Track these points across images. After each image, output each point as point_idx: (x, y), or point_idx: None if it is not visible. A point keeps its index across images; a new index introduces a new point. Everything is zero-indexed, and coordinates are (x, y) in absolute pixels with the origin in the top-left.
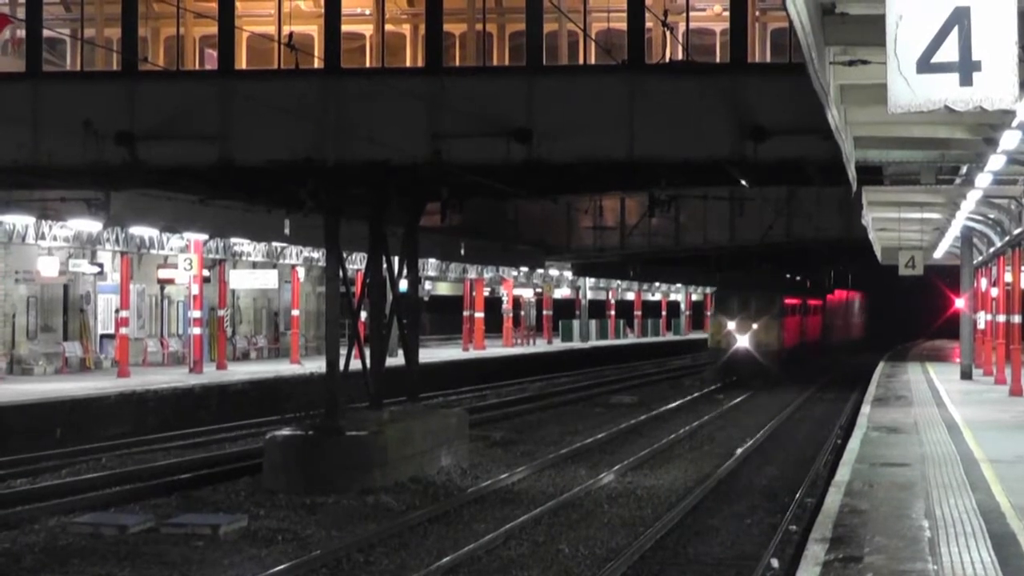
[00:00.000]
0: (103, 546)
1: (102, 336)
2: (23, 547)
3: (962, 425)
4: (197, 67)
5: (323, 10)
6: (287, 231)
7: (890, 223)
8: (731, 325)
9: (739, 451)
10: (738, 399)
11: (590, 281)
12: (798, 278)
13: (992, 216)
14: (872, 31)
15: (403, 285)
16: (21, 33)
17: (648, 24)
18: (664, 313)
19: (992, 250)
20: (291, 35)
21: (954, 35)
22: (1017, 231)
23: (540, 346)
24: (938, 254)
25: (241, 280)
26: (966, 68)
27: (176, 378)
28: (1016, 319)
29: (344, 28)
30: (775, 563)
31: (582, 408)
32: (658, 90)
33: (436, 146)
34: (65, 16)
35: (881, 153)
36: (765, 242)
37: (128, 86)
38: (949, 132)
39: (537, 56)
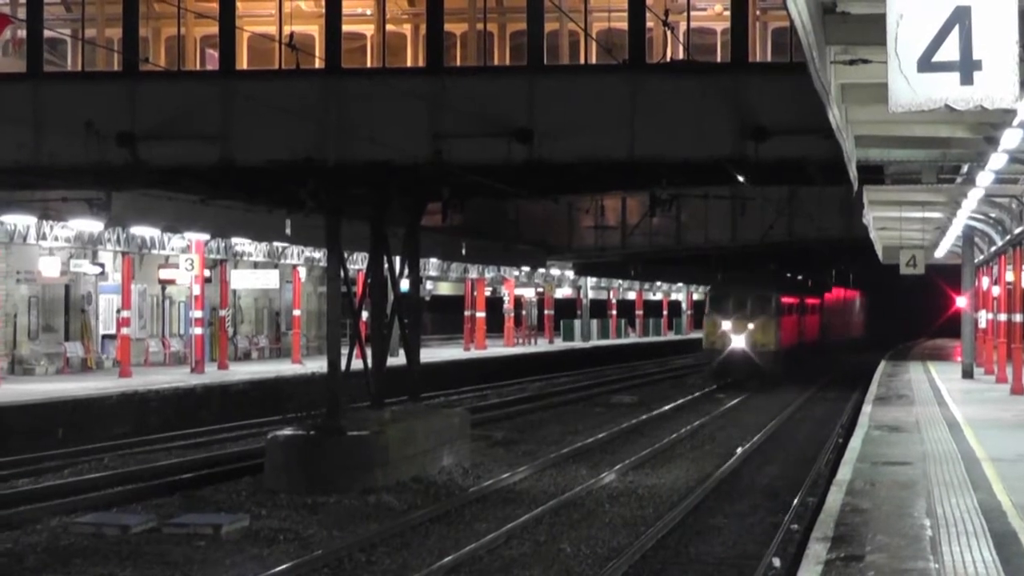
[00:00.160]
0: (105, 546)
1: (103, 336)
2: (25, 547)
3: (963, 424)
4: (198, 67)
5: (324, 10)
6: (288, 231)
7: (891, 222)
8: (726, 325)
9: (740, 450)
10: (739, 398)
11: (591, 281)
12: (799, 277)
13: (993, 215)
14: (873, 30)
15: (404, 285)
16: (22, 33)
17: (649, 24)
18: (665, 312)
19: (993, 249)
20: (292, 35)
21: (955, 34)
22: (1018, 230)
23: (541, 346)
24: (939, 253)
25: (242, 280)
26: (967, 67)
27: (178, 378)
28: (1017, 318)
29: (345, 28)
30: (777, 562)
31: (583, 408)
32: (659, 90)
33: (437, 146)
34: (66, 16)
35: (882, 152)
36: (766, 242)
37: (129, 86)
38: (950, 131)
39: (538, 56)
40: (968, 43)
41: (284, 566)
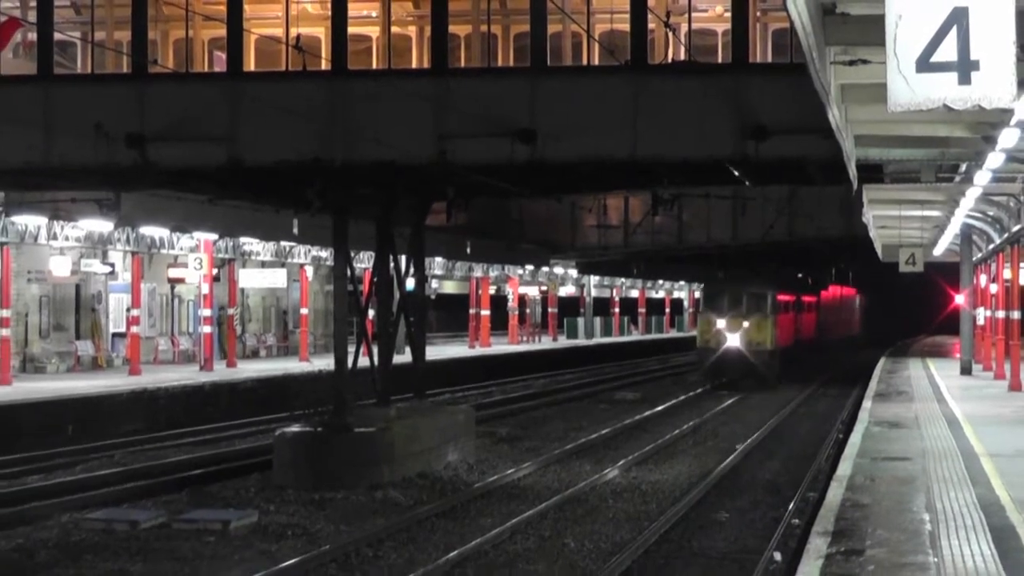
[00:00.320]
0: (115, 542)
1: (114, 335)
2: (37, 543)
3: (962, 420)
4: (206, 69)
5: (330, 12)
6: (295, 231)
7: (891, 221)
8: (721, 323)
9: (742, 446)
10: (741, 396)
11: (594, 279)
12: (797, 274)
13: (991, 213)
14: (872, 31)
15: (410, 283)
16: (32, 36)
17: (651, 25)
18: (668, 310)
19: (991, 247)
20: (298, 37)
21: (953, 35)
22: (1016, 228)
23: (545, 343)
24: (938, 251)
25: (250, 279)
26: (965, 67)
27: (187, 376)
28: (1015, 315)
29: (351, 30)
30: (778, 556)
31: (587, 404)
32: (661, 90)
33: (442, 146)
34: (76, 19)
35: (881, 151)
36: (767, 240)
37: (138, 88)
38: (949, 130)
39: (541, 57)
40: (966, 43)
41: (292, 561)
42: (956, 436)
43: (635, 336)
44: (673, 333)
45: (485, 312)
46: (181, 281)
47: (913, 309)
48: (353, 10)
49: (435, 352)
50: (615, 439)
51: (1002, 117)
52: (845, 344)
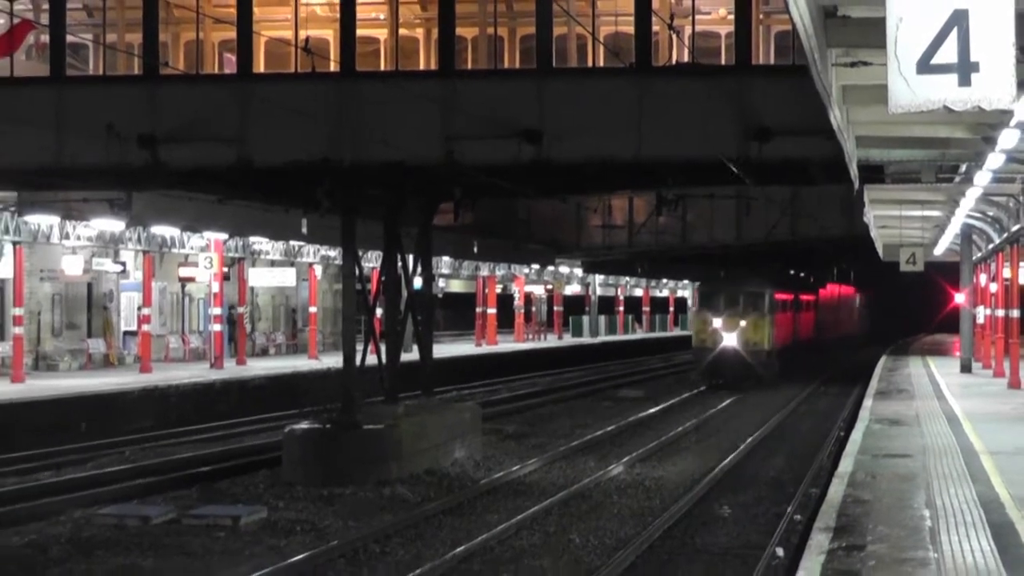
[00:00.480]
0: (127, 537)
1: (125, 333)
2: (49, 538)
3: (962, 417)
4: (216, 71)
5: (339, 15)
6: (304, 230)
7: (891, 221)
8: (717, 322)
9: (744, 443)
10: (743, 394)
11: (599, 278)
12: (794, 272)
13: (991, 213)
14: (873, 33)
15: (417, 282)
16: (45, 38)
17: (655, 27)
18: (672, 309)
19: (991, 246)
20: (307, 39)
21: (953, 37)
22: (1015, 228)
23: (551, 341)
24: (938, 251)
25: (260, 278)
26: (965, 69)
27: (197, 373)
28: (1015, 314)
29: (359, 32)
30: (780, 552)
31: (592, 402)
32: (665, 92)
33: (449, 147)
34: (88, 22)
35: (882, 152)
36: (770, 240)
37: (149, 89)
38: (949, 131)
39: (547, 59)
40: (966, 45)
41: (301, 556)
42: (956, 433)
43: (639, 334)
44: (677, 332)
45: (492, 311)
46: (192, 280)
47: (914, 308)
48: (361, 12)
49: (442, 350)
50: (619, 436)
51: (1002, 118)
52: (844, 343)
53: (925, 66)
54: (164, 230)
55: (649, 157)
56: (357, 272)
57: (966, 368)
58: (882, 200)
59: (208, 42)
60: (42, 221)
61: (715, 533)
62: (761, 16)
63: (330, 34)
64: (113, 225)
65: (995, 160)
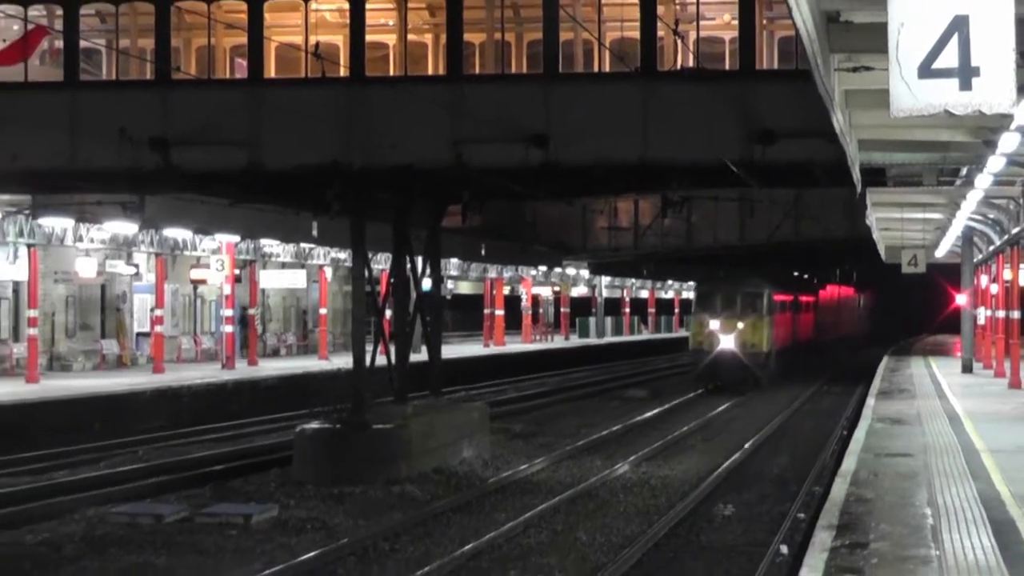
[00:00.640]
0: (140, 535)
1: (138, 334)
2: (63, 536)
3: (963, 416)
4: (227, 76)
5: (348, 20)
6: (315, 233)
7: (893, 223)
8: (714, 324)
9: (749, 443)
10: (747, 394)
11: (606, 279)
12: (792, 273)
13: (992, 216)
14: (875, 38)
15: (426, 284)
16: (59, 44)
17: (660, 33)
18: (677, 310)
19: (992, 248)
20: (317, 44)
21: (954, 42)
22: (1016, 230)
23: (558, 342)
24: (940, 252)
25: (271, 280)
26: (965, 74)
27: (209, 374)
28: (1015, 315)
29: (368, 38)
30: (784, 549)
31: (598, 402)
32: (670, 96)
33: (457, 151)
34: (101, 27)
35: (884, 155)
36: (773, 242)
37: (161, 94)
38: (950, 135)
39: (553, 64)
40: (966, 50)
41: (312, 554)
42: (957, 432)
43: (645, 335)
44: (682, 332)
45: (499, 312)
46: (204, 282)
47: (915, 309)
48: (371, 18)
49: (451, 351)
50: (626, 435)
51: (1002, 122)
52: (844, 345)
53: (926, 71)
54: (176, 233)
55: (654, 160)
56: (367, 274)
57: (967, 368)
58: (884, 203)
59: (219, 47)
60: (56, 224)
61: (720, 531)
62: (765, 22)
63: (340, 39)
64: (126, 228)
65: (995, 163)
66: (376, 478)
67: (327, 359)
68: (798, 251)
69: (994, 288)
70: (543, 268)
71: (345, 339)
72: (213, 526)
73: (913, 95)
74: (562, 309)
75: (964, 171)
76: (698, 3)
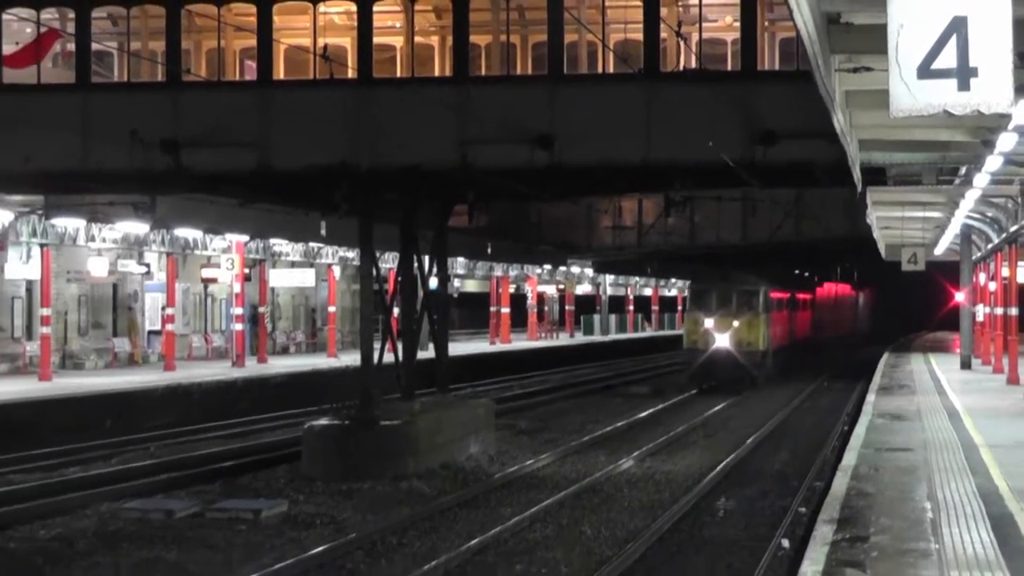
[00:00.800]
0: (151, 530)
1: (149, 332)
2: (76, 532)
3: (962, 412)
4: (237, 78)
5: (356, 23)
6: (323, 232)
7: (893, 221)
8: (709, 322)
9: (751, 438)
10: (743, 393)
11: (610, 278)
12: (788, 270)
13: (990, 214)
14: (875, 39)
15: (433, 283)
16: (71, 47)
17: (663, 35)
18: (680, 308)
19: (990, 246)
20: (326, 47)
21: (952, 43)
22: (1014, 228)
23: (563, 340)
24: (939, 250)
25: (280, 279)
26: (964, 74)
27: (219, 371)
28: (1013, 311)
29: (376, 40)
30: (786, 543)
31: (602, 398)
32: (673, 97)
33: (463, 151)
34: (112, 30)
35: (884, 155)
36: (775, 241)
37: (172, 96)
38: (949, 135)
39: (558, 65)
40: (965, 51)
41: (320, 548)
42: (956, 428)
43: (649, 333)
44: None
45: (505, 310)
46: (214, 281)
47: (915, 306)
48: (378, 21)
49: (457, 348)
50: (630, 431)
51: (1000, 122)
52: (844, 343)
53: (925, 71)
54: (187, 232)
55: (658, 160)
56: (374, 273)
57: (966, 365)
58: (884, 202)
59: (229, 50)
60: (68, 224)
61: (723, 525)
62: (766, 23)
63: (348, 42)
64: (137, 228)
65: (994, 163)
66: (384, 474)
67: (336, 357)
68: (800, 250)
69: (992, 285)
70: (548, 267)
71: (353, 337)
72: (223, 521)
73: (912, 95)
74: (567, 307)
75: (963, 170)
76: (700, 5)
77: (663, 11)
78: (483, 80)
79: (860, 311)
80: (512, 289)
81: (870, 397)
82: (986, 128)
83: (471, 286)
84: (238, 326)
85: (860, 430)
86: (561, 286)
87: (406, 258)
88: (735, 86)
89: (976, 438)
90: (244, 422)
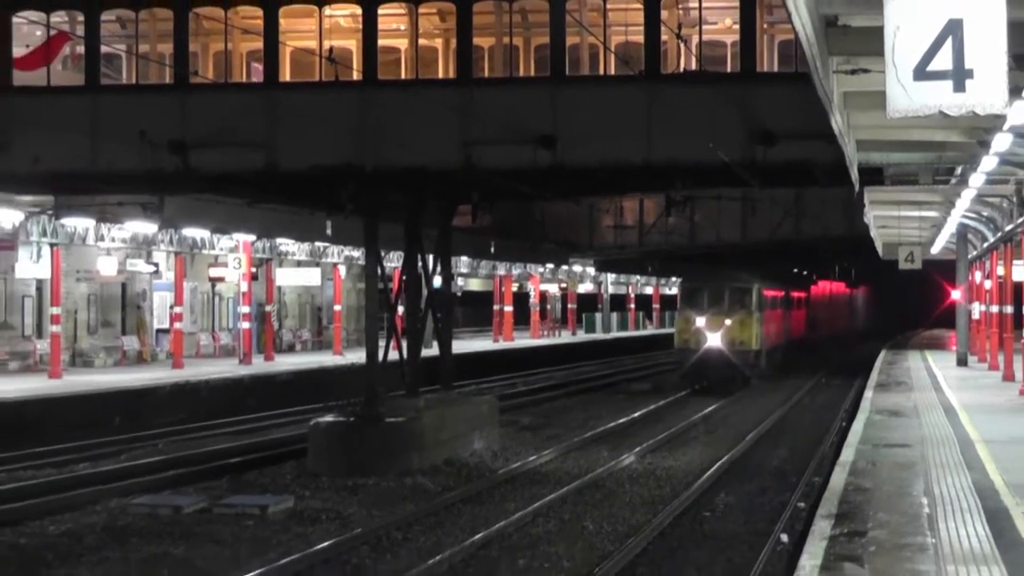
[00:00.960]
0: (159, 526)
1: (158, 330)
2: (85, 527)
3: (959, 408)
4: (244, 80)
5: (361, 26)
6: (329, 232)
7: (890, 221)
8: (700, 321)
9: (750, 434)
10: (749, 387)
11: (611, 276)
12: (783, 268)
13: (985, 213)
14: (872, 42)
15: (437, 281)
16: (80, 49)
17: (664, 37)
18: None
19: (986, 245)
20: (331, 49)
21: (948, 45)
22: (1009, 227)
23: (565, 337)
24: (935, 249)
25: (287, 278)
26: (959, 76)
27: (226, 369)
28: (1008, 309)
29: (380, 42)
30: (785, 538)
31: (604, 395)
32: (673, 98)
33: (467, 152)
34: (121, 33)
35: (882, 155)
36: (774, 240)
37: (180, 98)
38: (945, 135)
39: (560, 67)
40: (960, 53)
41: (326, 543)
42: (953, 424)
43: (650, 330)
44: None
45: (508, 308)
46: (221, 280)
47: (912, 304)
48: (383, 23)
49: (461, 346)
50: (631, 427)
51: (995, 122)
52: (840, 341)
53: (922, 73)
54: (195, 232)
55: (659, 160)
56: (379, 272)
57: (962, 362)
58: (881, 201)
59: (236, 52)
60: (78, 224)
61: (723, 520)
62: (765, 26)
63: (353, 44)
64: (146, 227)
65: (989, 163)
66: (389, 470)
67: (341, 354)
68: (799, 248)
69: (988, 284)
70: (551, 265)
71: (359, 335)
72: (230, 517)
73: (909, 97)
74: (569, 305)
75: (959, 170)
76: (700, 8)
77: (664, 14)
78: (486, 82)
79: (856, 309)
80: (515, 288)
81: (868, 393)
82: (981, 129)
83: (475, 285)
84: (245, 324)
85: (858, 426)
86: (563, 284)
87: (411, 257)
88: (735, 87)
89: (972, 434)
90: (251, 419)
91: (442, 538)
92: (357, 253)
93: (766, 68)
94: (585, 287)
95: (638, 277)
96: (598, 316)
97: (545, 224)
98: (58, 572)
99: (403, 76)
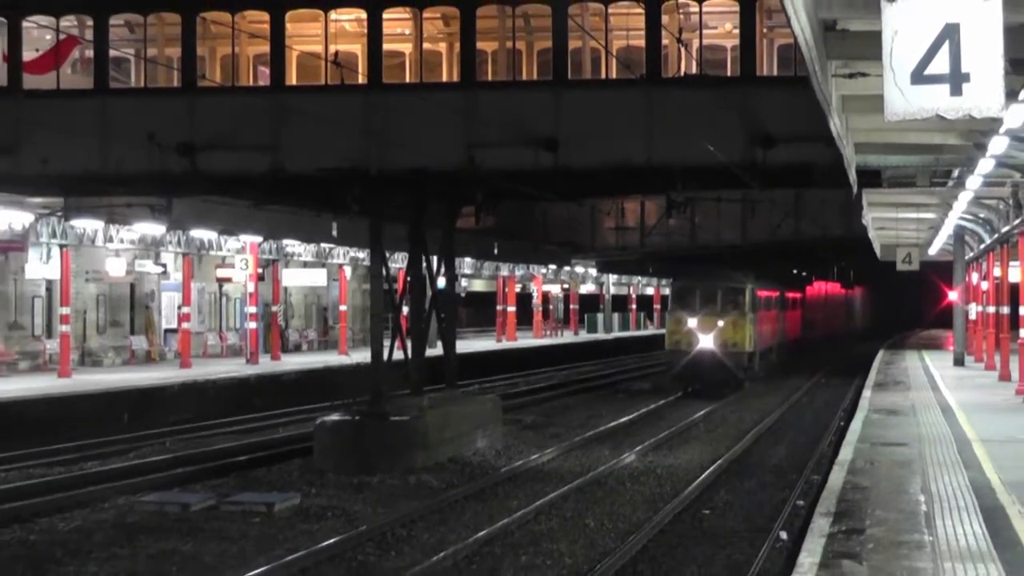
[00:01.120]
0: (167, 523)
1: (166, 330)
2: (94, 524)
3: (956, 408)
4: (251, 83)
5: (366, 30)
6: (335, 233)
7: (888, 222)
8: (692, 322)
9: (750, 433)
10: (749, 386)
11: (613, 277)
12: (778, 268)
13: (982, 215)
14: (870, 46)
15: (441, 282)
16: (89, 53)
17: (664, 41)
18: None
19: (983, 246)
20: (337, 53)
21: (945, 49)
22: (1005, 229)
23: (567, 337)
24: (933, 251)
25: (293, 278)
26: (956, 79)
27: (234, 368)
28: (1005, 310)
29: (385, 47)
30: (784, 535)
31: (606, 394)
32: (674, 102)
33: (471, 154)
34: (129, 37)
35: (880, 158)
36: (774, 241)
37: (188, 101)
38: (942, 138)
39: (563, 71)
40: (957, 57)
41: (332, 540)
42: (950, 423)
43: (651, 330)
44: None
45: (511, 308)
46: (228, 280)
47: (910, 305)
48: (388, 28)
49: (465, 346)
50: (632, 426)
51: (992, 126)
52: (836, 342)
53: (919, 77)
54: (202, 233)
55: (660, 162)
56: (384, 272)
57: (959, 362)
58: (880, 203)
59: (243, 56)
60: (87, 225)
61: (723, 517)
62: (765, 30)
63: (358, 48)
64: (154, 229)
65: (986, 165)
66: (394, 467)
67: (347, 354)
68: (798, 249)
69: (985, 285)
70: (553, 266)
71: (364, 335)
72: (238, 514)
73: (906, 100)
74: (571, 306)
75: (956, 173)
76: (701, 12)
77: (664, 18)
78: (490, 85)
79: (854, 310)
80: (518, 288)
81: (866, 393)
82: (978, 132)
83: (478, 285)
84: (252, 324)
85: (856, 425)
86: (566, 285)
87: (415, 258)
88: (735, 91)
89: (969, 433)
90: (258, 417)
91: (446, 535)
92: (362, 254)
93: (766, 72)
94: (587, 288)
95: (639, 278)
96: (600, 316)
97: (547, 226)
98: (68, 568)
99: (408, 80)
